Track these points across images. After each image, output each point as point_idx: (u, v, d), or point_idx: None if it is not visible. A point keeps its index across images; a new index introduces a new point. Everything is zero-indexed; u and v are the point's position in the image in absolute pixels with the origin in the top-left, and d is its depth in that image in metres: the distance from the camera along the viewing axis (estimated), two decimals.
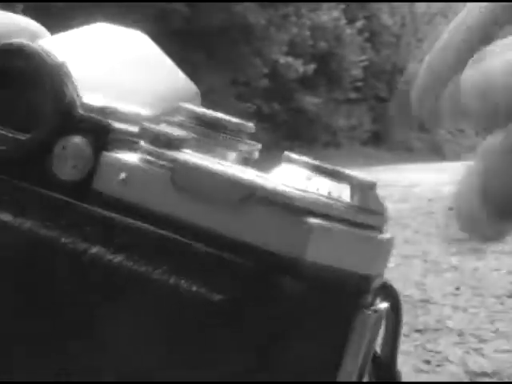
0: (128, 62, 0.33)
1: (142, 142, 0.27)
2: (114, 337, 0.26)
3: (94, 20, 0.34)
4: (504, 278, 3.61)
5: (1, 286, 0.27)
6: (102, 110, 0.28)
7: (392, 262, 3.79)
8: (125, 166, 0.26)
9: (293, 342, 0.25)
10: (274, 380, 0.25)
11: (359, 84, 14.29)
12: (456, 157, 16.88)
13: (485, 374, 2.71)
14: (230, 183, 0.25)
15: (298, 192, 0.25)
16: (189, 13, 9.78)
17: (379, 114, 15.75)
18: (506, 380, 2.67)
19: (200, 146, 0.28)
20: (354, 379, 0.26)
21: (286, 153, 0.28)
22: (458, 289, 3.22)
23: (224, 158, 0.28)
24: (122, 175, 0.26)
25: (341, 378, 0.26)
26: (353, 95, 14.20)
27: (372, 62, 14.79)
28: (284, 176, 0.26)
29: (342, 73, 13.85)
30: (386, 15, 15.88)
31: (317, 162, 0.27)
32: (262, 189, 0.25)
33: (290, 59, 11.91)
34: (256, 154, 0.31)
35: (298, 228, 0.25)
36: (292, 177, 0.26)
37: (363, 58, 14.22)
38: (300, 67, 12.01)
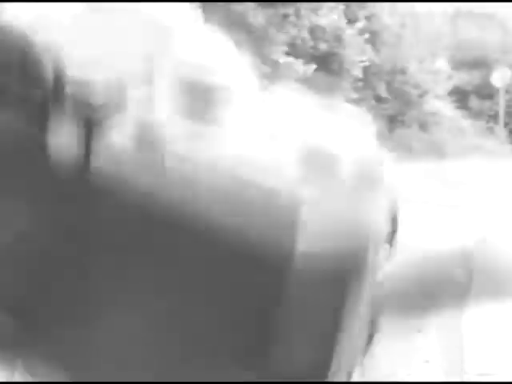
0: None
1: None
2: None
3: None
4: None
5: None
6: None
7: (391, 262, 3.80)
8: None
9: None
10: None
11: (359, 84, 14.29)
12: (456, 157, 16.89)
13: (485, 374, 2.72)
14: None
15: None
16: None
17: (379, 113, 15.75)
18: (506, 380, 2.68)
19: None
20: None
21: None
22: None
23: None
24: None
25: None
26: (353, 95, 14.20)
27: (372, 62, 14.80)
28: None
29: (342, 73, 13.86)
30: (385, 15, 15.89)
31: None
32: None
33: (290, 59, 11.91)
34: None
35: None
36: None
37: (363, 58, 14.22)
38: (300, 67, 12.02)
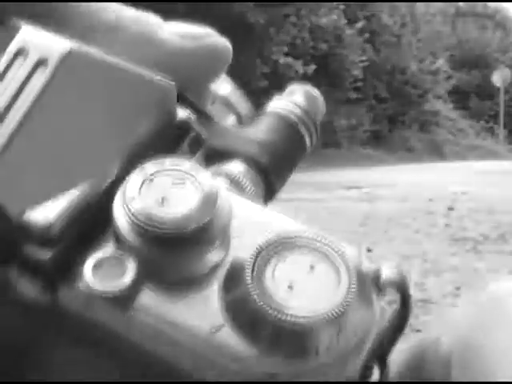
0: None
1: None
2: None
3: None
4: (504, 278, 3.61)
5: None
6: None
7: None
8: None
9: None
10: None
11: (359, 84, 14.29)
12: (456, 157, 16.88)
13: None
14: None
15: None
16: (189, 13, 9.77)
17: (379, 114, 15.75)
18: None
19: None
20: None
21: None
22: (458, 289, 3.22)
23: None
24: None
25: None
26: (353, 95, 14.20)
27: (372, 61, 14.80)
28: None
29: (342, 73, 13.86)
30: (385, 15, 15.89)
31: None
32: None
33: (289, 60, 11.91)
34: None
35: None
36: None
37: (363, 58, 14.22)
38: (300, 68, 12.01)
